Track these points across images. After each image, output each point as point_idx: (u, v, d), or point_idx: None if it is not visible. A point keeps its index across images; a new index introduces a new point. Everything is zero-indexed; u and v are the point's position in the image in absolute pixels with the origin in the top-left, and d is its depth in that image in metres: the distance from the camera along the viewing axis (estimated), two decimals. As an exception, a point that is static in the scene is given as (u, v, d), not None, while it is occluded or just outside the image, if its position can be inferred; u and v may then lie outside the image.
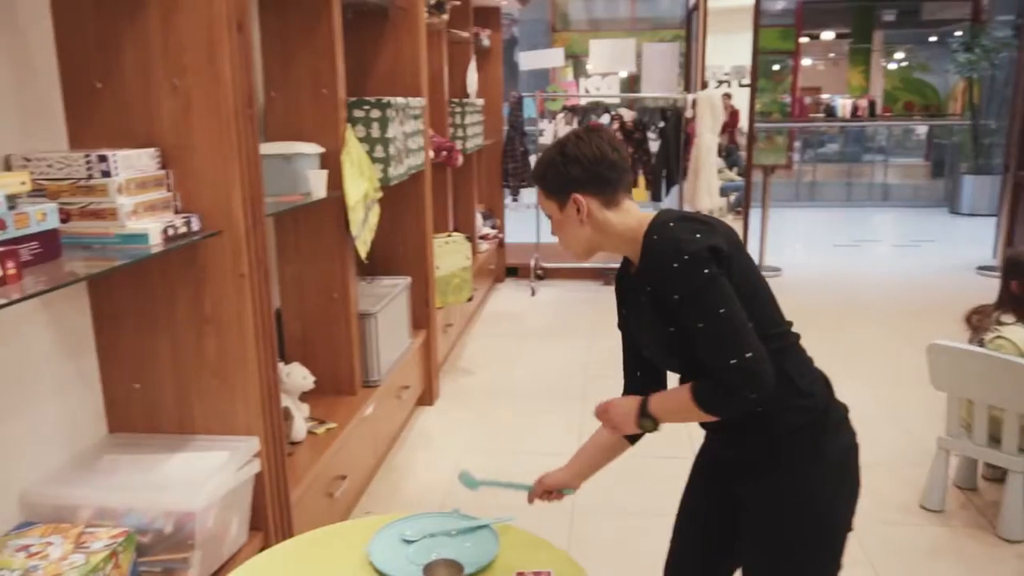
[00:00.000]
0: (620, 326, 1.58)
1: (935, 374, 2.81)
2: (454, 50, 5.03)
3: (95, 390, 2.03)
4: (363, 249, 2.99)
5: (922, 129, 11.81)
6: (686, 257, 1.30)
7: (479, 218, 6.02)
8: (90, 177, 1.71)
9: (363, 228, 2.98)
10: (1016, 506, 2.65)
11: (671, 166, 6.11)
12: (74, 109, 1.89)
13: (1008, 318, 2.73)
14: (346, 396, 3.01)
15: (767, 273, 6.31)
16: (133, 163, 1.78)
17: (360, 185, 2.91)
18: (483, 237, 6.08)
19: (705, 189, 5.90)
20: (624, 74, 8.35)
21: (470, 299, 4.46)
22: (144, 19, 1.81)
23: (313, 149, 2.71)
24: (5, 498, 1.75)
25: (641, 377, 1.57)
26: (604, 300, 5.91)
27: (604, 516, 2.84)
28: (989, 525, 2.76)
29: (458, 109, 4.87)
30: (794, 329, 1.48)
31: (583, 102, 6.51)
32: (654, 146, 6.09)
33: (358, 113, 3.03)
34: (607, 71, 7.86)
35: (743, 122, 6.57)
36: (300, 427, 2.60)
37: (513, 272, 6.69)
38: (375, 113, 3.05)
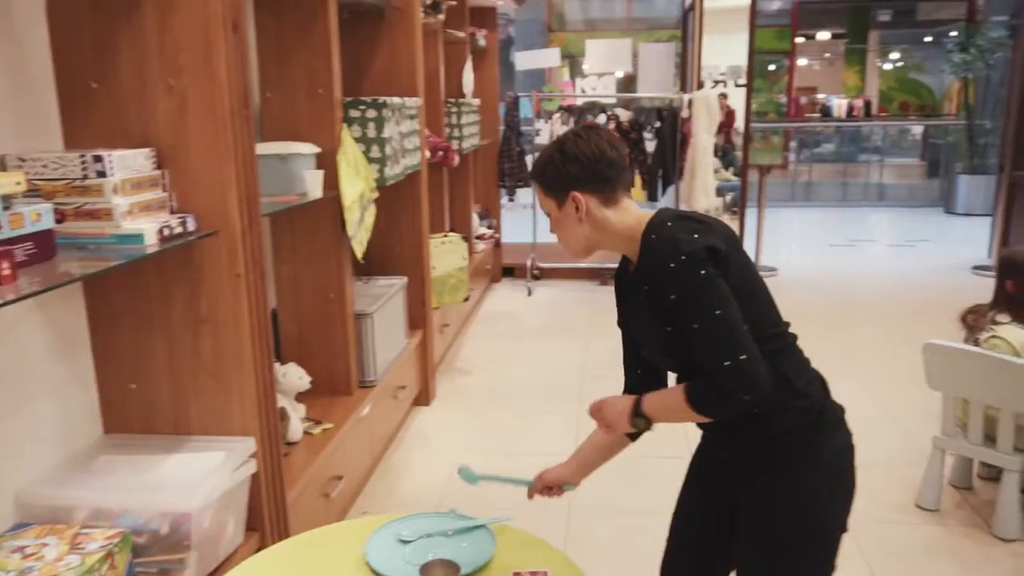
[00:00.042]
0: (620, 324, 1.58)
1: (931, 374, 2.81)
2: (450, 50, 5.03)
3: (90, 390, 2.03)
4: (359, 249, 2.99)
5: (917, 129, 11.84)
6: (683, 257, 1.30)
7: (475, 218, 6.02)
8: (85, 177, 1.71)
9: (359, 228, 2.97)
10: (1011, 505, 2.66)
11: (667, 166, 6.11)
12: (69, 109, 1.88)
13: (1003, 318, 2.74)
14: (342, 396, 3.01)
15: (763, 273, 6.30)
16: (128, 163, 1.77)
17: (356, 185, 2.90)
18: (479, 237, 6.08)
19: (701, 189, 5.91)
20: (620, 74, 8.35)
21: (466, 299, 4.46)
22: (140, 19, 1.81)
23: (309, 149, 2.71)
24: (0, 499, 1.74)
25: (641, 375, 1.57)
26: (600, 300, 5.92)
27: (601, 516, 2.84)
28: (984, 524, 2.77)
29: (454, 109, 4.87)
30: (790, 329, 1.48)
31: (579, 102, 6.52)
32: (650, 146, 6.10)
33: (354, 113, 3.03)
34: (603, 71, 7.86)
35: (739, 122, 6.59)
36: (296, 427, 2.59)
37: (509, 272, 6.69)
38: (371, 113, 3.04)
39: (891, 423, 3.62)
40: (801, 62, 11.78)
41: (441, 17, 4.10)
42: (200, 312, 1.95)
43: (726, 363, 1.27)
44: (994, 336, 2.70)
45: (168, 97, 1.84)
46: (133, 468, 1.89)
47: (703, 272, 1.29)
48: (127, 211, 1.73)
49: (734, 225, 6.32)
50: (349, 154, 2.87)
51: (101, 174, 1.70)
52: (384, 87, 3.52)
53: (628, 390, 1.58)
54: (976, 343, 2.75)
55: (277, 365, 2.54)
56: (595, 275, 6.48)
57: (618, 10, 10.47)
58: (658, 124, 6.08)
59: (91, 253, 1.68)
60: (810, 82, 12.01)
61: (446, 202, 4.81)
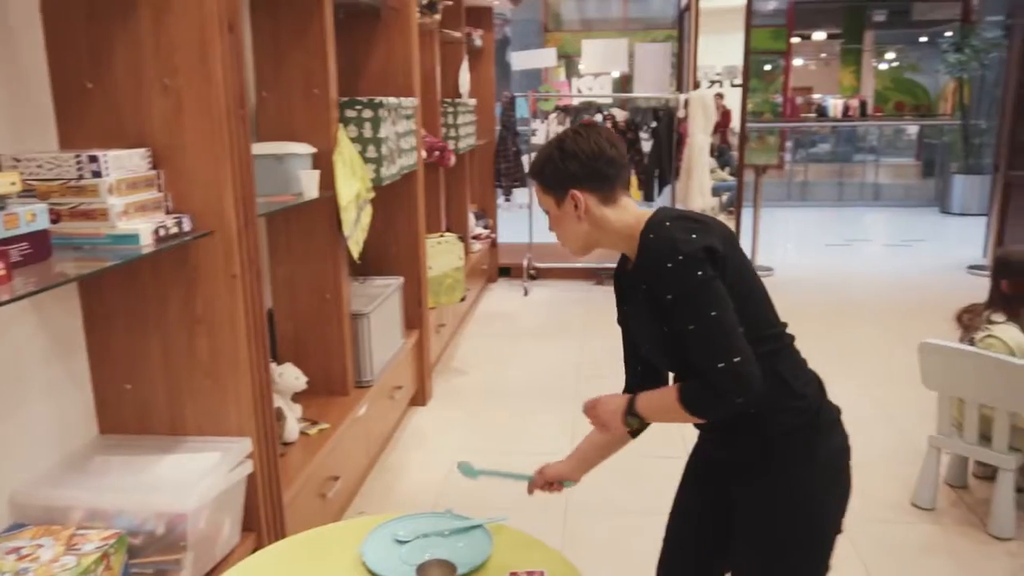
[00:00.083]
0: (620, 322, 1.57)
1: (926, 373, 2.82)
2: (446, 50, 5.03)
3: (86, 391, 2.02)
4: (355, 249, 2.99)
5: (913, 129, 11.87)
6: (681, 257, 1.30)
7: (472, 218, 6.02)
8: (80, 177, 1.70)
9: (355, 228, 2.97)
10: (1006, 504, 2.67)
11: (663, 166, 6.12)
12: (65, 109, 1.88)
13: (998, 317, 2.75)
14: (339, 396, 3.00)
15: (759, 273, 6.32)
16: (124, 163, 1.77)
17: (352, 185, 2.90)
18: (476, 237, 6.08)
19: (697, 189, 5.92)
20: (616, 74, 8.37)
21: (463, 299, 4.46)
22: (135, 19, 1.80)
23: (305, 149, 2.70)
24: (-5, 500, 1.74)
25: (642, 373, 1.57)
26: (597, 300, 5.92)
27: (598, 515, 2.84)
28: (980, 523, 2.77)
29: (450, 109, 4.87)
30: (788, 330, 1.48)
31: (575, 102, 6.52)
32: (646, 146, 6.10)
33: (350, 113, 3.03)
34: (599, 71, 7.87)
35: (735, 122, 6.59)
36: (293, 428, 2.59)
37: (506, 272, 6.69)
38: (367, 113, 3.04)
39: (887, 422, 3.63)
40: (797, 62, 11.79)
41: (437, 17, 4.10)
42: (196, 312, 1.94)
43: (720, 365, 1.27)
44: (989, 335, 2.71)
45: (164, 97, 1.84)
46: (129, 469, 1.88)
47: (700, 273, 1.29)
48: (122, 211, 1.72)
49: (730, 225, 6.33)
50: (345, 154, 2.86)
51: (96, 174, 1.70)
52: (380, 87, 3.52)
53: (629, 388, 1.58)
54: (971, 342, 2.76)
55: (273, 365, 2.53)
56: (591, 275, 6.49)
57: (614, 10, 10.48)
58: (654, 124, 6.08)
59: (86, 253, 1.68)
60: (806, 82, 12.01)
61: (442, 202, 4.81)
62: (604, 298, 5.93)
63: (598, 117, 6.06)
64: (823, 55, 12.35)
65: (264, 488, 2.09)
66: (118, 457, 1.93)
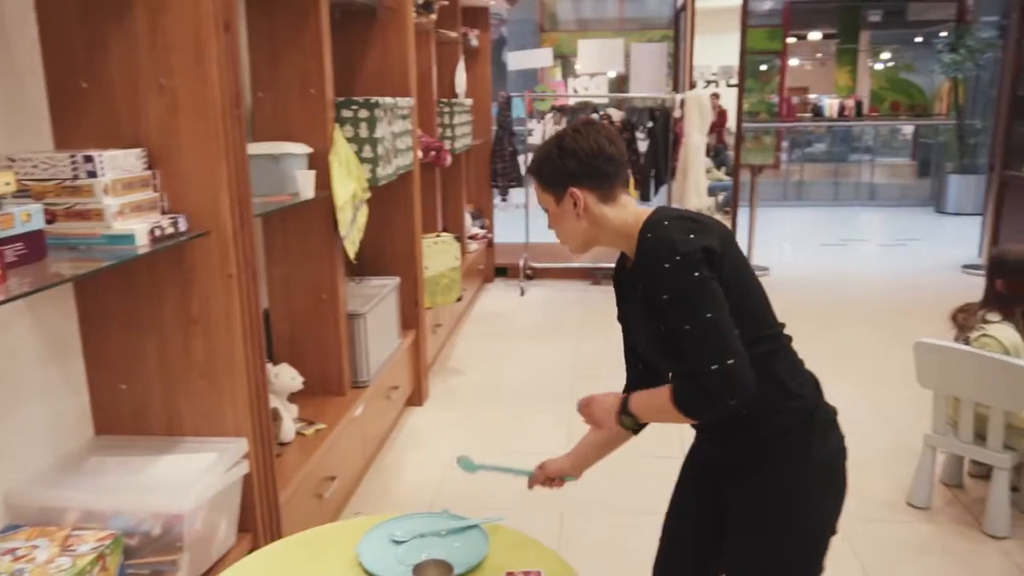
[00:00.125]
0: (619, 320, 1.57)
1: (922, 372, 2.83)
2: (442, 50, 5.03)
3: (81, 392, 2.02)
4: (351, 249, 2.99)
5: (908, 129, 11.89)
6: (678, 258, 1.30)
7: (468, 218, 6.01)
8: (76, 178, 1.70)
9: (351, 228, 2.97)
10: (1001, 502, 2.68)
11: (659, 166, 6.12)
12: (60, 109, 1.87)
13: (993, 316, 2.75)
14: (335, 397, 3.00)
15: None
16: (119, 163, 1.76)
17: (348, 185, 2.90)
18: (472, 237, 6.08)
19: (693, 189, 5.93)
20: (612, 74, 8.38)
21: (459, 299, 4.46)
22: (131, 19, 1.80)
23: (301, 149, 2.70)
24: (-10, 501, 1.74)
25: (643, 371, 1.56)
26: (593, 300, 5.93)
27: (594, 515, 2.85)
28: (975, 521, 2.78)
29: (446, 109, 4.87)
30: (785, 331, 1.48)
31: (572, 102, 6.52)
32: (643, 146, 6.10)
33: (346, 113, 3.03)
34: (595, 71, 7.88)
35: (731, 122, 6.60)
36: (289, 428, 2.59)
37: (502, 272, 6.69)
38: (363, 113, 3.04)
39: (882, 422, 3.64)
40: (793, 62, 11.81)
41: (433, 17, 4.10)
42: (192, 313, 1.94)
43: (713, 366, 1.27)
44: (984, 335, 2.71)
45: (159, 97, 1.83)
46: (125, 469, 1.88)
47: (697, 274, 1.29)
48: (118, 211, 1.72)
49: (726, 224, 6.33)
50: (341, 154, 2.86)
51: (92, 174, 1.70)
52: (376, 87, 3.52)
53: (629, 387, 1.58)
54: (967, 342, 2.77)
55: (269, 366, 2.53)
56: (588, 275, 6.49)
57: (610, 10, 10.48)
58: (650, 124, 6.08)
59: (82, 254, 1.67)
60: (801, 82, 12.04)
61: (439, 202, 4.81)
62: (601, 298, 5.94)
63: (594, 117, 6.07)
64: (819, 55, 12.38)
65: (260, 488, 2.08)
66: (114, 458, 1.93)
